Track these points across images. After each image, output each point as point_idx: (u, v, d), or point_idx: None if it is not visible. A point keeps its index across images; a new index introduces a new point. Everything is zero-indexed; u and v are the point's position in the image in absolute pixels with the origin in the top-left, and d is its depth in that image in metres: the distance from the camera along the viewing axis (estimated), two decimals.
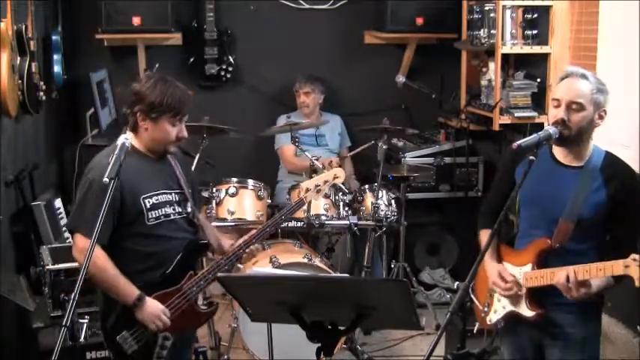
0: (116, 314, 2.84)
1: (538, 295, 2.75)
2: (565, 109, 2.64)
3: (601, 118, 2.69)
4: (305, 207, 4.30)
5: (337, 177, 3.44)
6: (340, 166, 5.31)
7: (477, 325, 3.02)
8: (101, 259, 2.75)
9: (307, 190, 3.37)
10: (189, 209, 3.01)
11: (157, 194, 2.90)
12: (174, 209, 2.95)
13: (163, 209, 2.91)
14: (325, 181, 3.40)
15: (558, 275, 2.62)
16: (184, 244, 2.96)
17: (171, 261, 2.92)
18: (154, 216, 2.88)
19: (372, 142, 4.83)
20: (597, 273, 2.53)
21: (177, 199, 2.97)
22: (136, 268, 2.86)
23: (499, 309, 2.89)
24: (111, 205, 2.53)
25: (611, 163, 2.74)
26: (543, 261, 2.74)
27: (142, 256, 2.88)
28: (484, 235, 2.97)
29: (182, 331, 2.97)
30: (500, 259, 2.90)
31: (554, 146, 2.78)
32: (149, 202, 2.87)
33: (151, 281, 2.88)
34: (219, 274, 2.87)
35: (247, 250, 3.13)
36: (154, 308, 2.83)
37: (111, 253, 2.79)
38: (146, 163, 2.91)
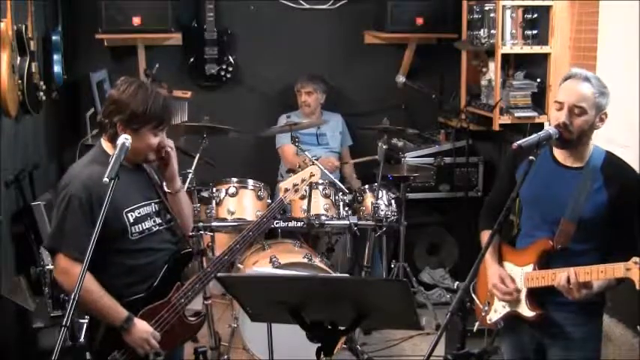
0: (104, 332, 2.72)
1: (539, 295, 2.76)
2: (567, 113, 2.64)
3: (602, 121, 2.70)
4: (305, 207, 4.30)
5: (313, 175, 3.45)
6: (340, 167, 5.36)
7: (477, 324, 3.02)
8: (85, 280, 2.45)
9: (286, 190, 3.37)
10: (168, 216, 2.89)
11: (139, 207, 2.76)
12: (154, 221, 2.82)
13: (145, 223, 2.77)
14: (302, 180, 3.40)
15: (559, 277, 2.62)
16: (169, 255, 2.85)
17: (157, 273, 2.80)
18: (137, 230, 2.74)
19: (374, 157, 4.82)
20: (598, 275, 2.54)
21: (156, 209, 2.84)
22: (122, 283, 2.73)
23: (499, 308, 2.89)
24: (92, 222, 2.39)
25: (612, 164, 2.74)
26: (545, 262, 2.74)
27: (128, 270, 2.75)
28: (485, 236, 2.98)
29: (172, 346, 2.86)
30: (501, 259, 2.91)
31: (554, 147, 2.79)
32: (132, 216, 2.73)
33: (138, 295, 2.76)
34: (218, 275, 2.82)
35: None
36: (142, 332, 2.70)
37: (95, 269, 2.58)
38: (125, 175, 2.62)
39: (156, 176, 2.91)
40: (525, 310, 2.78)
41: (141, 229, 2.77)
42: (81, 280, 2.19)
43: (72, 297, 2.15)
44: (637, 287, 2.41)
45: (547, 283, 2.68)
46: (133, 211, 2.75)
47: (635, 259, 2.42)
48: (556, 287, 2.63)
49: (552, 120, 2.70)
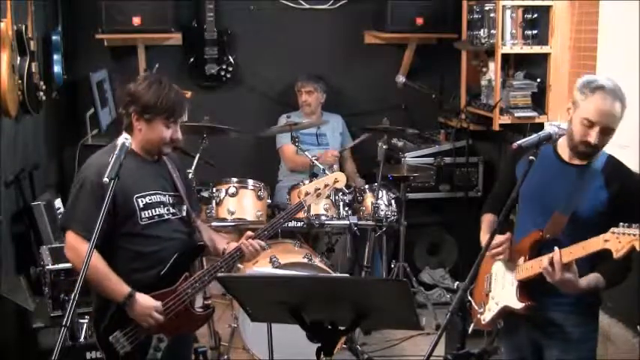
0: (110, 314, 2.79)
1: (534, 293, 2.75)
2: (599, 135, 2.64)
3: None
4: (305, 207, 4.30)
5: (337, 181, 3.40)
6: (341, 164, 5.35)
7: (472, 325, 3.02)
8: (92, 257, 2.60)
9: (307, 193, 3.36)
10: (184, 212, 2.96)
11: (151, 194, 2.86)
12: (167, 210, 2.90)
13: (157, 209, 2.86)
14: (326, 185, 3.37)
15: (543, 260, 2.62)
16: (180, 245, 2.92)
17: (166, 261, 2.87)
18: (147, 216, 2.83)
19: (367, 134, 4.87)
20: (580, 251, 2.53)
21: (171, 201, 2.92)
22: (130, 268, 2.81)
23: (492, 306, 2.89)
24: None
25: (613, 166, 2.76)
26: (536, 254, 2.73)
27: (137, 256, 2.83)
28: (486, 219, 3.02)
29: (177, 334, 2.91)
30: None
31: (559, 145, 2.79)
32: (142, 201, 2.83)
33: (146, 281, 2.83)
34: (218, 275, 2.85)
35: (250, 249, 3.03)
36: (145, 306, 2.77)
37: (105, 253, 2.75)
38: (141, 164, 2.86)
39: (178, 172, 3.00)
40: (515, 303, 2.76)
41: (151, 214, 2.85)
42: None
43: (72, 297, 2.16)
44: (614, 256, 2.39)
45: (536, 272, 2.66)
46: (143, 197, 2.84)
47: (613, 229, 2.41)
48: (542, 272, 2.61)
49: (577, 134, 2.66)
